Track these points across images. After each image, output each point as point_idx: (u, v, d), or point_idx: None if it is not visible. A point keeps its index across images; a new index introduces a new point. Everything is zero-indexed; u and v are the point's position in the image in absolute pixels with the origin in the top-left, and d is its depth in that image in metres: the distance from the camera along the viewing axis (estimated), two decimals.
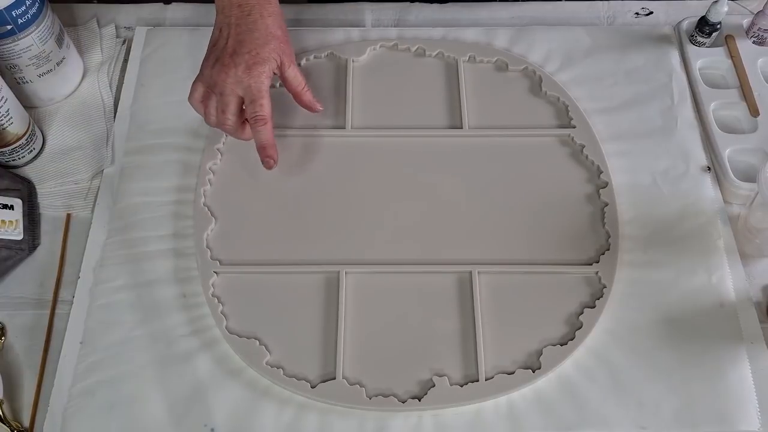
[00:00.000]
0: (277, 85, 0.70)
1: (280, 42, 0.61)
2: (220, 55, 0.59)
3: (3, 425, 0.53)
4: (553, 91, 0.69)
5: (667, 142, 0.66)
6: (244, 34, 0.59)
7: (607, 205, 0.62)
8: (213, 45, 0.61)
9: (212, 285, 0.59)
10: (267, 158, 0.61)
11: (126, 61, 0.73)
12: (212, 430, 0.53)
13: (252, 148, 0.66)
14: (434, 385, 0.54)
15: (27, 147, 0.65)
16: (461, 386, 0.54)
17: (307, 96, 0.64)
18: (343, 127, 0.67)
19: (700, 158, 0.65)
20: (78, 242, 0.62)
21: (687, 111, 0.68)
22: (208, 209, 0.62)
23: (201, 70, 0.61)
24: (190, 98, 0.61)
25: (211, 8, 0.64)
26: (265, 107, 0.59)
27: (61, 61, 0.68)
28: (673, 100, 0.69)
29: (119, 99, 0.70)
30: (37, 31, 0.63)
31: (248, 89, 0.58)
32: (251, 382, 0.55)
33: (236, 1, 0.61)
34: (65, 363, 0.56)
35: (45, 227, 0.63)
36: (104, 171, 0.65)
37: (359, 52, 0.72)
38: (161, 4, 0.78)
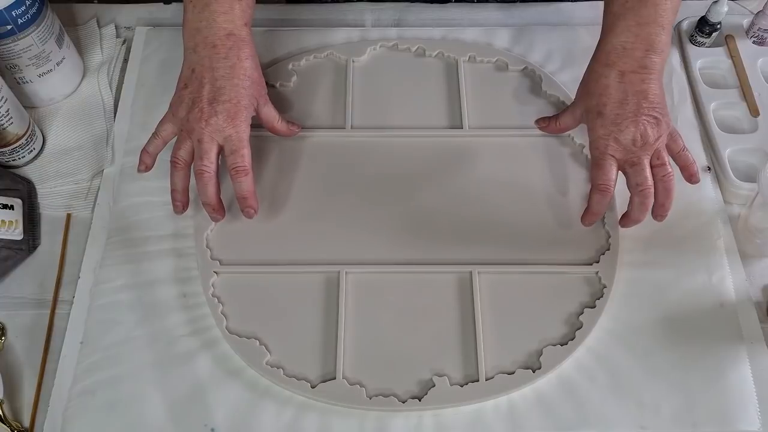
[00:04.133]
0: (277, 85, 0.70)
1: (257, 86, 0.59)
2: (196, 100, 0.56)
3: (3, 425, 0.53)
4: (553, 91, 0.69)
5: None
6: (223, 81, 0.57)
7: None
8: (184, 86, 0.58)
9: (212, 285, 0.59)
10: (248, 208, 0.58)
11: (126, 61, 0.73)
12: (212, 430, 0.53)
13: (253, 148, 0.66)
14: (434, 385, 0.54)
15: (27, 147, 0.65)
16: (461, 386, 0.54)
17: (282, 126, 0.63)
18: (343, 127, 0.67)
19: (700, 158, 0.65)
20: (78, 242, 0.62)
21: (687, 111, 0.68)
22: None
23: (172, 111, 0.58)
24: (156, 136, 0.59)
25: None
26: (246, 158, 0.57)
27: (61, 61, 0.68)
28: (673, 100, 0.69)
29: (119, 99, 0.70)
30: (37, 31, 0.63)
31: (229, 139, 0.56)
32: (251, 382, 0.55)
33: (210, 40, 0.57)
34: (65, 363, 0.56)
35: (45, 227, 0.63)
36: (104, 171, 0.65)
37: (359, 52, 0.72)
38: (161, 4, 0.78)
